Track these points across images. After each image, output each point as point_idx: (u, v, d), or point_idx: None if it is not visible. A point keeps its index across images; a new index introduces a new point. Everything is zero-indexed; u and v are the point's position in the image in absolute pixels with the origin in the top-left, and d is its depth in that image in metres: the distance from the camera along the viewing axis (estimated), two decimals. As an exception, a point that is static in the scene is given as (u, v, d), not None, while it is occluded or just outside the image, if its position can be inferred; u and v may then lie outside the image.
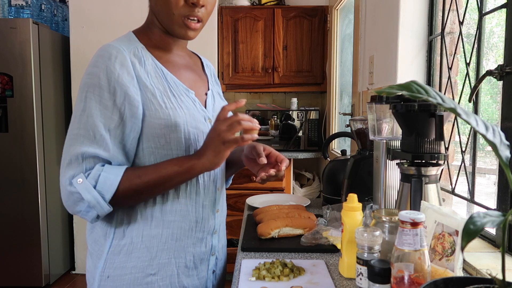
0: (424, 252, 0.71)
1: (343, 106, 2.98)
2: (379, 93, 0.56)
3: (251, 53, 3.26)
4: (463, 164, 1.30)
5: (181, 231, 0.98)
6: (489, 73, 1.06)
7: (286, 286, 0.89)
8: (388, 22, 1.68)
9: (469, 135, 1.26)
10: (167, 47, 1.01)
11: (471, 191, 1.24)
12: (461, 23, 1.35)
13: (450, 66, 1.43)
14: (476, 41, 1.23)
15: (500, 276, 0.54)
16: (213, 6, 0.97)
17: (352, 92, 2.42)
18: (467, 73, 1.28)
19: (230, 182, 1.27)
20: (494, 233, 1.12)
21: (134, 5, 2.91)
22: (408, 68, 1.58)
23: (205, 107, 1.03)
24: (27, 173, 2.78)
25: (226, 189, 1.16)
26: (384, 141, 1.14)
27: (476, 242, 1.13)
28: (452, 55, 1.44)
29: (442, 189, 1.32)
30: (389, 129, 1.14)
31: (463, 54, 1.33)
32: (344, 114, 2.60)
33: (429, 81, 1.57)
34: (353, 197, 0.93)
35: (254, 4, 3.33)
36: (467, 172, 1.28)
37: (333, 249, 1.09)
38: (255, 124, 0.90)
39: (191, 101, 0.98)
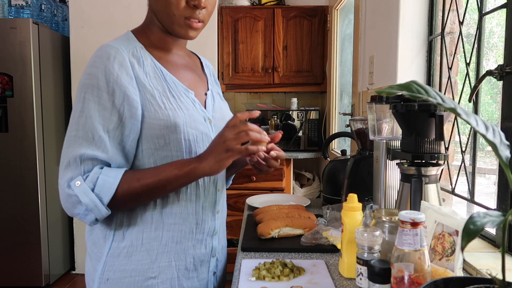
0: (424, 252, 0.71)
1: (343, 106, 2.97)
2: (379, 93, 0.56)
3: (251, 53, 3.26)
4: (463, 164, 1.30)
5: (181, 233, 0.96)
6: (489, 73, 1.06)
7: (286, 286, 0.89)
8: (388, 22, 1.68)
9: (469, 135, 1.26)
10: (167, 47, 1.00)
11: (471, 191, 1.24)
12: (461, 23, 1.35)
13: (450, 66, 1.43)
14: (476, 41, 1.23)
15: (500, 276, 0.54)
16: (213, 6, 0.96)
17: (352, 92, 2.42)
18: (467, 73, 1.28)
19: (231, 182, 1.26)
20: (494, 233, 1.12)
21: (134, 5, 2.91)
22: (408, 68, 1.58)
23: (205, 108, 1.02)
24: (27, 173, 2.78)
25: (226, 189, 1.15)
26: (384, 141, 1.14)
27: (476, 242, 1.13)
28: (452, 55, 1.44)
29: (442, 189, 1.32)
30: (389, 129, 1.14)
31: (463, 54, 1.33)
32: (344, 114, 2.60)
33: (429, 81, 1.57)
34: (353, 197, 0.93)
35: (254, 4, 3.33)
36: (467, 172, 1.27)
37: (333, 249, 1.09)
38: (264, 136, 0.88)
39: (191, 102, 0.97)
